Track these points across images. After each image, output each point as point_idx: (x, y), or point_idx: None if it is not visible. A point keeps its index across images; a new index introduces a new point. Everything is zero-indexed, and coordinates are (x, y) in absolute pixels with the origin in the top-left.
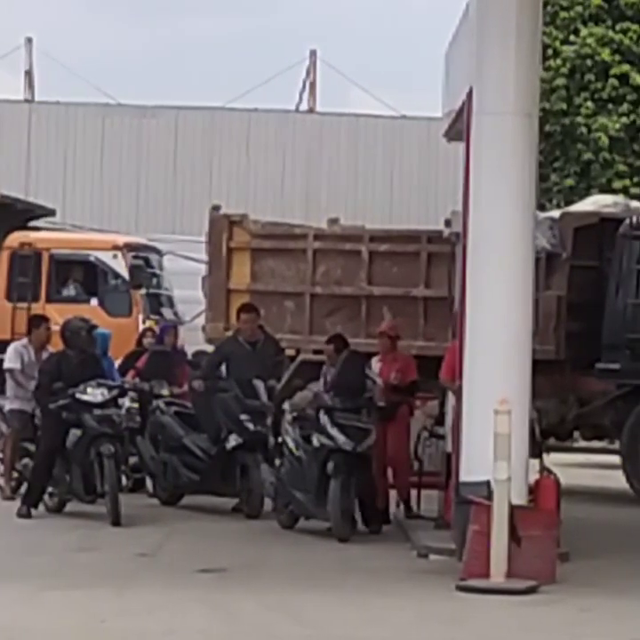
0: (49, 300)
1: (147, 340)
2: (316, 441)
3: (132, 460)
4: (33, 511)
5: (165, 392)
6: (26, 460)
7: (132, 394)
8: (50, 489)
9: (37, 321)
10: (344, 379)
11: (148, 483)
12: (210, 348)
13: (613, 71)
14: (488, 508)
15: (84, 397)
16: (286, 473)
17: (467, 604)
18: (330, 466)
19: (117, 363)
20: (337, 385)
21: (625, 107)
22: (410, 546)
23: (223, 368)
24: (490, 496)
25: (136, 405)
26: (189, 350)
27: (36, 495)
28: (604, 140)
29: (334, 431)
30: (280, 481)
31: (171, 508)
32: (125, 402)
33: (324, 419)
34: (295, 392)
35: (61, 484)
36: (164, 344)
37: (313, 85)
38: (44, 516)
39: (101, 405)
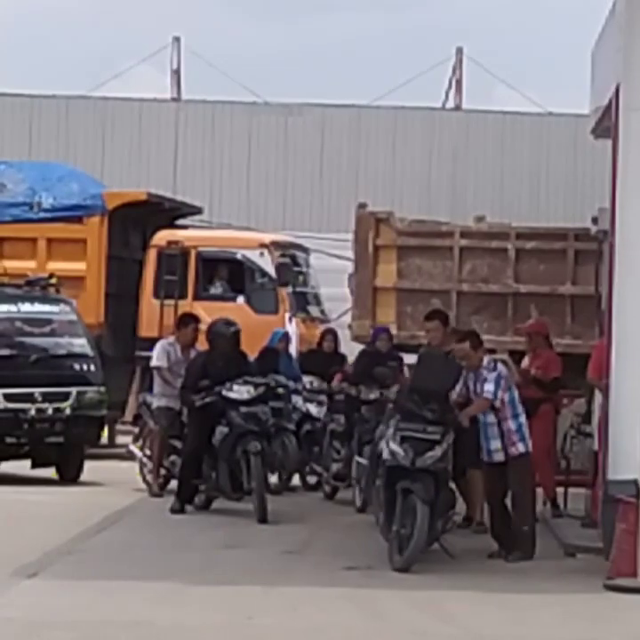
0: (196, 297)
1: (327, 344)
2: (384, 453)
3: (335, 466)
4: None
5: (373, 397)
6: (174, 458)
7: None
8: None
9: (187, 320)
10: (422, 382)
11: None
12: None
13: None
14: (636, 506)
15: (231, 395)
16: None
17: (614, 603)
18: (397, 485)
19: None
20: (413, 388)
21: None
22: (557, 544)
23: None
24: (637, 495)
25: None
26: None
27: (188, 491)
28: None
29: (394, 444)
30: None
31: (317, 506)
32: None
33: (389, 429)
34: None
35: (208, 482)
36: (377, 348)
37: (459, 83)
38: (191, 513)
39: (248, 403)
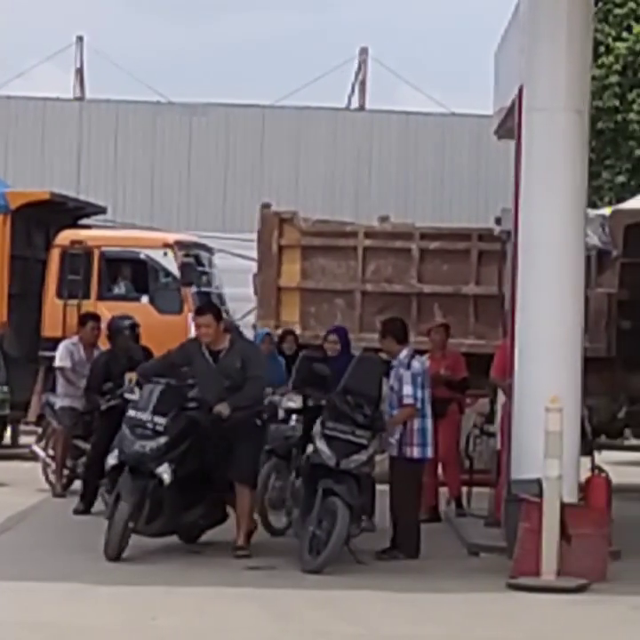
0: (100, 297)
1: (287, 345)
2: (309, 450)
3: None
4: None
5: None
6: (83, 459)
7: None
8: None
9: (86, 319)
10: (357, 384)
11: None
12: None
13: None
14: (539, 505)
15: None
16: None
17: (517, 601)
18: (319, 484)
19: None
20: (347, 390)
21: None
22: (461, 544)
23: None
24: (540, 494)
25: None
26: None
27: (91, 493)
28: None
29: (321, 443)
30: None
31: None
32: None
33: (317, 428)
34: None
35: None
36: None
37: (363, 83)
38: (94, 514)
39: None
